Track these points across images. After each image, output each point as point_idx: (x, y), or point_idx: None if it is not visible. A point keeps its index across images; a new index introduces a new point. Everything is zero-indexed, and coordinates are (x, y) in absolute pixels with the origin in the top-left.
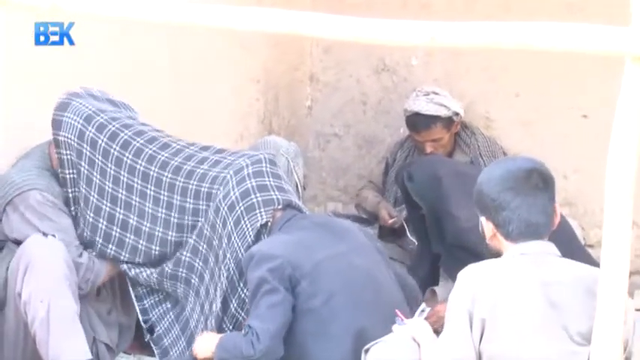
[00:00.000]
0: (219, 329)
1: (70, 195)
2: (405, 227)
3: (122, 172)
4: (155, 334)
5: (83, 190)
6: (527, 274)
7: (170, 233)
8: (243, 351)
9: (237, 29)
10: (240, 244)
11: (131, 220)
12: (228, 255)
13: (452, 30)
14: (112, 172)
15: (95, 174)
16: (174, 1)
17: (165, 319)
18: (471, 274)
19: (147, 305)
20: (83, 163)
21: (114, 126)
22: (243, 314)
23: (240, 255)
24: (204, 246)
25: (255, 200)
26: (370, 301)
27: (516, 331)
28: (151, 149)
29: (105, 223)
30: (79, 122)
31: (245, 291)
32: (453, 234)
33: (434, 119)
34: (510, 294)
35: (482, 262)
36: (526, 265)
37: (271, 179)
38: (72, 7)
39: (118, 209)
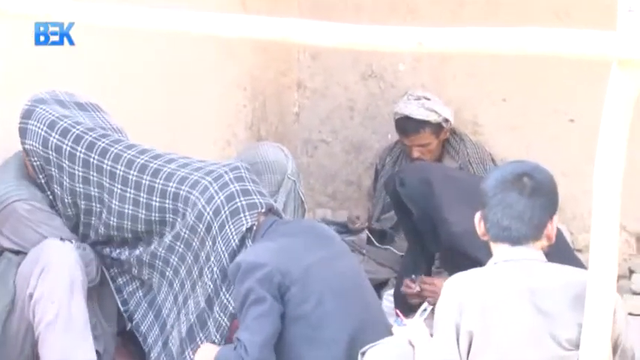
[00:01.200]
0: (203, 327)
1: (50, 197)
2: (390, 234)
3: (90, 172)
4: (134, 322)
5: (57, 192)
6: (513, 282)
7: (139, 227)
8: None
9: (223, 36)
10: (224, 248)
11: (104, 215)
12: (212, 258)
13: (439, 35)
14: (81, 173)
15: (65, 177)
16: (161, 9)
17: (141, 307)
18: (456, 284)
19: (125, 295)
20: (53, 168)
21: (77, 129)
22: (225, 320)
23: (223, 259)
24: (182, 246)
25: (239, 204)
26: (358, 306)
27: (504, 341)
28: (116, 149)
29: (82, 216)
30: (42, 129)
31: (227, 296)
32: (446, 238)
33: (423, 124)
34: (497, 303)
35: (468, 271)
36: (512, 272)
37: (251, 184)
38: (65, 17)
39: (94, 204)
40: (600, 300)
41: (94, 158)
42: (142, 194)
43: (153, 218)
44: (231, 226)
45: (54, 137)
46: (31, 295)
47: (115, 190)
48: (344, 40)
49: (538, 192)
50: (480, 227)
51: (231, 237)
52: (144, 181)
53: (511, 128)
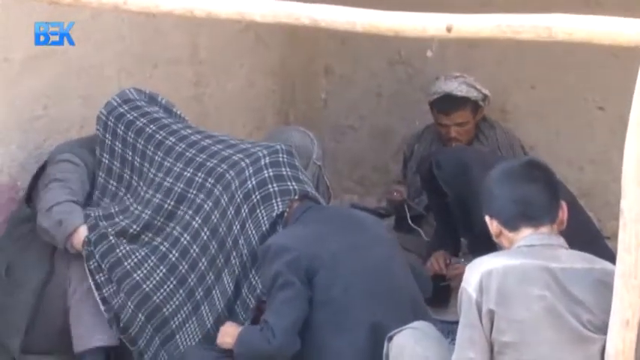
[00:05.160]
0: (231, 312)
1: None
2: (423, 213)
3: (139, 140)
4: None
5: (105, 161)
6: (536, 263)
7: (169, 202)
8: (259, 347)
9: (253, 21)
10: (254, 231)
11: (140, 189)
12: (241, 241)
13: (467, 22)
14: (131, 140)
15: (117, 144)
16: None
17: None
18: (478, 265)
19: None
20: (107, 135)
21: (153, 115)
22: (253, 300)
23: (253, 242)
24: (207, 232)
25: (271, 190)
26: (385, 293)
27: (525, 321)
28: (180, 147)
29: (125, 191)
30: (116, 101)
31: (256, 277)
32: (482, 224)
33: (464, 101)
34: (519, 283)
35: (491, 253)
36: (535, 254)
37: (288, 169)
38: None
39: (134, 176)
40: (628, 287)
41: (150, 129)
42: (188, 168)
43: (189, 195)
44: (263, 211)
45: (122, 107)
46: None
47: (166, 163)
48: (372, 25)
49: (543, 176)
50: (492, 226)
51: (261, 221)
52: (188, 154)
53: (540, 116)
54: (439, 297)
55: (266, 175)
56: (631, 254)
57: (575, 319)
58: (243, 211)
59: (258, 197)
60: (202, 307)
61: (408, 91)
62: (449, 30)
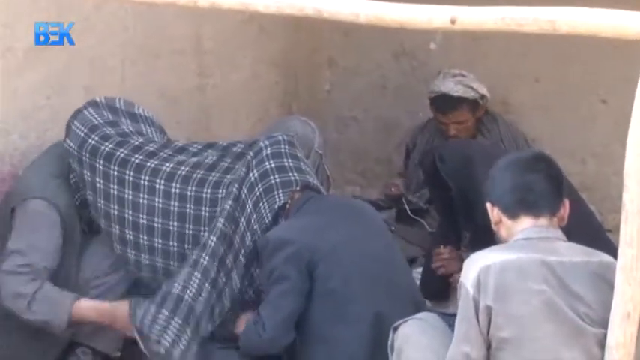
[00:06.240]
0: (232, 304)
1: (77, 202)
2: (425, 208)
3: (127, 172)
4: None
5: (89, 197)
6: (533, 257)
7: (187, 226)
8: (252, 339)
9: (256, 12)
10: (258, 225)
11: (141, 220)
12: (248, 238)
13: (471, 14)
14: (116, 173)
15: (98, 179)
16: None
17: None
18: (476, 260)
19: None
20: (85, 170)
21: (116, 139)
22: (251, 292)
23: (258, 237)
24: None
25: (273, 182)
26: (386, 283)
27: (523, 316)
28: (154, 162)
29: (117, 227)
30: (82, 131)
31: (257, 270)
32: (484, 218)
33: (461, 101)
34: (516, 277)
35: (488, 248)
36: (532, 247)
37: (290, 160)
38: None
39: (127, 210)
40: (629, 280)
41: (135, 158)
42: (203, 189)
43: (203, 213)
44: (265, 204)
45: (93, 139)
46: None
47: (158, 187)
48: (377, 17)
49: (547, 168)
50: (493, 214)
51: (264, 214)
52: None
53: (542, 109)
54: (439, 290)
55: (267, 166)
56: (632, 247)
57: (574, 312)
58: (247, 206)
59: (260, 190)
60: (214, 311)
61: (412, 84)
62: (453, 22)
